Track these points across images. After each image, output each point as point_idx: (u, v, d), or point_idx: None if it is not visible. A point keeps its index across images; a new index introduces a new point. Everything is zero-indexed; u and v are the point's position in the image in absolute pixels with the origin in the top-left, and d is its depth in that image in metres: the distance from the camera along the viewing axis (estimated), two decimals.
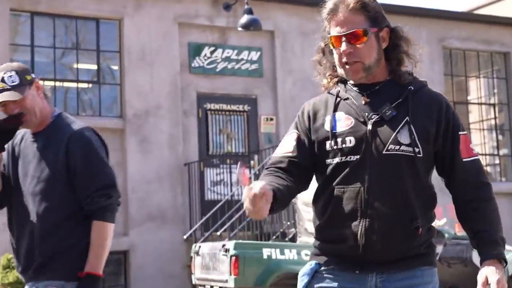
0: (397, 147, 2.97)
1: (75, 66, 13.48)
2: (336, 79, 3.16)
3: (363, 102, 3.04)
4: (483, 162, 17.61)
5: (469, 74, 17.33)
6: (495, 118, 17.49)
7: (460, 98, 17.18)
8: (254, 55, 14.07)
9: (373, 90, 3.06)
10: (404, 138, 2.97)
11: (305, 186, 3.15)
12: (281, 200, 2.93)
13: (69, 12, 13.08)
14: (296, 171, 3.07)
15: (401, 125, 2.98)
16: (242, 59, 14.20)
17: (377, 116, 2.99)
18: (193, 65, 13.82)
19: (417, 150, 2.97)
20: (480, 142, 17.57)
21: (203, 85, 13.99)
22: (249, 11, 12.38)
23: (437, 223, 8.20)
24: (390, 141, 2.97)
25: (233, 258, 8.51)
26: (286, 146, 3.13)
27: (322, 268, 3.07)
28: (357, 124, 3.01)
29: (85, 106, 13.53)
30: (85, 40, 13.45)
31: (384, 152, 2.97)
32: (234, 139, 14.04)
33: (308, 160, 3.10)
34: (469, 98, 17.80)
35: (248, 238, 11.74)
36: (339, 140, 3.02)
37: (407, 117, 2.99)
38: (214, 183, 13.41)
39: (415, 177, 2.99)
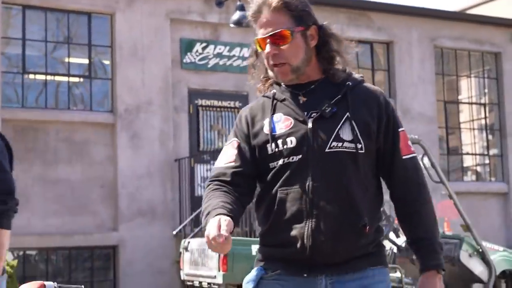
0: (340, 143, 2.90)
1: (66, 60, 13.45)
2: (270, 81, 3.10)
3: (301, 102, 2.99)
4: (473, 162, 17.68)
5: (460, 74, 17.37)
6: (485, 117, 17.55)
7: (451, 97, 17.22)
8: (246, 52, 14.06)
9: (309, 90, 3.00)
10: (346, 134, 2.91)
11: (250, 198, 3.05)
12: (235, 222, 2.84)
13: (61, 6, 13.05)
14: (241, 182, 2.98)
15: (342, 121, 2.92)
16: (234, 55, 14.21)
17: (317, 114, 2.93)
18: (184, 61, 13.81)
19: (359, 146, 2.91)
20: (470, 141, 17.63)
21: (195, 81, 13.98)
22: (241, 8, 12.38)
23: None
24: (332, 138, 2.91)
25: (222, 254, 8.52)
26: (228, 156, 3.05)
27: (269, 273, 2.99)
28: (296, 123, 2.95)
29: (76, 100, 13.50)
30: (77, 34, 13.42)
31: (326, 150, 2.90)
32: (225, 135, 14.04)
33: (251, 167, 3.02)
34: (460, 97, 17.83)
35: (237, 234, 11.75)
36: (279, 142, 2.95)
37: (348, 113, 2.93)
38: (205, 179, 13.39)
39: (360, 174, 2.93)
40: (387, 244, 7.90)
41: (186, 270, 9.66)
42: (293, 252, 2.90)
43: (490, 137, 17.57)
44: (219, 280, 8.51)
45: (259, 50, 3.01)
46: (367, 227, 2.90)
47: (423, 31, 16.17)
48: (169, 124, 13.51)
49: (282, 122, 2.97)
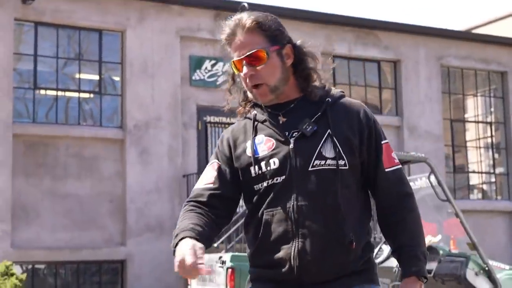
0: (323, 161, 2.86)
1: (77, 76, 13.50)
2: (250, 103, 3.06)
3: (281, 122, 2.94)
4: (479, 180, 17.63)
5: (466, 92, 17.36)
6: (491, 136, 17.51)
7: (457, 116, 17.20)
8: None
9: (289, 109, 2.96)
10: (329, 151, 2.87)
11: (228, 219, 3.02)
12: (206, 245, 2.79)
13: (72, 23, 13.11)
14: (218, 204, 2.96)
15: (323, 139, 2.88)
16: None
17: (298, 133, 2.89)
18: (193, 77, 13.83)
19: (342, 162, 2.87)
20: (476, 160, 17.58)
21: (203, 97, 14.00)
22: None
23: (432, 240, 8.18)
24: (314, 156, 2.86)
25: (230, 270, 8.51)
26: (207, 177, 3.02)
27: None
28: (278, 144, 2.91)
29: (86, 116, 13.53)
30: (87, 51, 13.47)
31: (310, 168, 2.86)
32: None
33: (230, 190, 2.99)
34: (466, 116, 17.82)
35: (245, 250, 11.72)
36: (262, 164, 2.92)
37: (329, 130, 2.89)
38: None
39: (345, 190, 2.89)
40: (393, 261, 7.85)
41: (194, 285, 9.63)
42: (281, 273, 2.87)
43: (496, 155, 17.52)
44: None
45: (236, 72, 2.97)
46: (354, 243, 2.85)
47: (430, 50, 16.17)
48: (178, 140, 13.52)
49: (264, 144, 2.94)
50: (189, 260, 2.59)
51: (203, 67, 13.86)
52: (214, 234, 2.94)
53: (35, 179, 12.43)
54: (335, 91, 3.04)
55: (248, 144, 2.97)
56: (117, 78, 13.62)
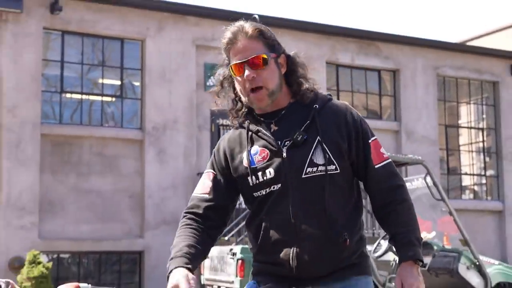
0: (314, 168, 2.84)
1: (100, 81, 13.53)
2: (242, 111, 3.02)
3: (272, 130, 2.91)
4: (471, 182, 17.58)
5: (460, 100, 17.32)
6: (483, 141, 17.46)
7: (451, 121, 17.16)
8: None
9: (280, 116, 2.92)
10: (320, 158, 2.84)
11: (221, 229, 3.04)
12: (197, 263, 2.85)
13: (96, 32, 13.14)
14: (212, 215, 2.96)
15: (314, 147, 2.84)
16: None
17: (290, 142, 2.86)
18: (207, 83, 13.83)
19: (333, 167, 2.84)
20: (468, 163, 17.54)
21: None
22: None
23: (427, 236, 8.16)
24: (306, 164, 2.84)
25: (240, 261, 8.52)
26: (203, 187, 3.01)
27: (261, 286, 2.97)
28: (272, 155, 2.88)
29: (108, 118, 13.56)
30: (110, 58, 13.50)
31: (303, 176, 2.84)
32: None
33: (225, 199, 2.99)
34: (460, 122, 17.77)
35: None
36: (259, 174, 2.89)
37: (318, 137, 2.85)
38: None
39: (338, 192, 2.87)
40: (391, 255, 7.85)
41: (206, 275, 9.65)
42: (281, 271, 2.89)
43: (487, 159, 17.47)
44: (237, 285, 8.49)
45: (234, 75, 2.93)
46: (347, 241, 2.85)
47: (427, 60, 16.14)
48: (192, 141, 13.53)
49: (259, 155, 2.91)
50: (183, 286, 2.60)
51: (217, 74, 13.83)
52: (208, 249, 2.96)
53: (60, 176, 12.46)
54: (322, 95, 3.01)
55: (244, 155, 2.94)
56: (137, 83, 13.64)
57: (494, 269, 8.22)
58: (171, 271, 2.70)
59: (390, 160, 2.99)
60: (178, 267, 2.70)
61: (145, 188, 12.99)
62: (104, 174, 12.83)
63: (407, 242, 2.86)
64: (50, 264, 10.76)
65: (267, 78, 2.87)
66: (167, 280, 2.69)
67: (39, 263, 10.56)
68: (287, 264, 2.85)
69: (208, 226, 2.96)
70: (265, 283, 2.96)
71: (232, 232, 11.88)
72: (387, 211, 2.92)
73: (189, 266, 2.73)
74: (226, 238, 11.75)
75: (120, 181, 12.91)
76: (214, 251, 9.57)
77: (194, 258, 2.80)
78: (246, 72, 2.85)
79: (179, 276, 2.64)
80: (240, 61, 2.88)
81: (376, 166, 2.92)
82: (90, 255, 12.87)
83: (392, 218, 2.90)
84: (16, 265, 11.45)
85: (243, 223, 11.88)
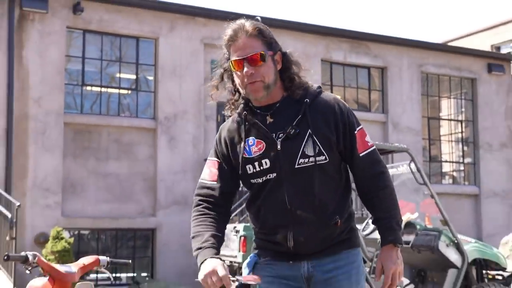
0: (306, 159, 2.83)
1: (117, 75, 13.51)
2: (239, 102, 3.01)
3: (268, 122, 2.90)
4: (451, 168, 17.57)
5: (442, 95, 17.28)
6: (462, 132, 17.43)
7: (433, 114, 17.13)
8: None
9: (275, 109, 2.91)
10: (311, 150, 2.83)
11: (230, 213, 3.04)
12: (219, 237, 2.86)
13: (114, 31, 13.11)
14: (222, 202, 2.97)
15: (305, 140, 2.83)
16: None
17: (284, 135, 2.85)
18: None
19: (323, 157, 2.84)
20: (448, 151, 17.52)
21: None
22: None
23: (410, 217, 8.16)
24: (299, 155, 2.84)
25: (242, 238, 8.53)
26: (210, 175, 3.00)
27: (262, 259, 2.99)
28: (268, 146, 2.87)
29: (124, 109, 13.54)
30: (126, 55, 13.47)
31: (296, 166, 2.84)
32: None
33: (230, 185, 2.99)
34: (441, 114, 17.74)
35: None
36: (256, 164, 2.89)
37: (309, 130, 2.84)
38: None
39: (328, 179, 2.87)
40: (377, 234, 7.82)
41: None
42: (279, 248, 2.92)
43: (465, 148, 17.45)
44: (239, 259, 8.51)
45: (234, 70, 2.90)
46: (339, 222, 2.87)
47: (412, 58, 16.10)
48: (200, 130, 13.52)
49: (256, 146, 2.90)
50: (221, 272, 2.62)
51: (215, 69, 13.80)
52: (224, 234, 2.96)
53: (81, 160, 12.47)
54: (312, 89, 2.98)
55: (242, 145, 2.93)
56: (150, 78, 13.62)
57: (471, 246, 8.23)
58: (203, 261, 2.71)
59: (374, 147, 2.97)
60: (210, 258, 2.71)
61: (157, 172, 12.99)
62: (121, 159, 12.84)
63: (389, 227, 2.88)
64: (71, 240, 10.77)
65: (264, 73, 2.85)
66: (199, 269, 2.69)
67: (62, 238, 10.58)
68: (285, 244, 2.88)
69: (222, 213, 2.97)
70: (265, 257, 2.99)
71: (236, 212, 11.89)
72: (370, 197, 2.93)
73: (219, 256, 2.74)
74: (231, 217, 11.74)
75: (135, 165, 12.91)
76: None
77: (219, 246, 2.83)
78: (245, 68, 2.84)
79: (215, 263, 2.66)
80: (240, 58, 2.86)
81: (361, 155, 2.91)
82: (107, 232, 12.89)
83: (375, 204, 2.92)
84: (41, 240, 11.47)
85: (245, 203, 11.91)
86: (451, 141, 17.50)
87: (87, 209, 12.34)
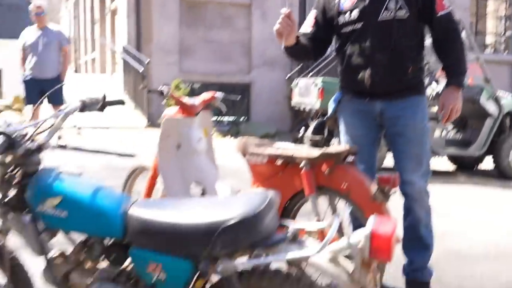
0: (389, 13, 2.77)
1: None
2: None
3: None
4: (492, 40, 16.67)
5: None
6: (505, 9, 16.32)
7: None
8: None
9: None
10: (393, 4, 2.77)
11: (322, 52, 3.01)
12: (301, 43, 2.87)
13: None
14: (317, 42, 2.98)
15: None
16: None
17: None
18: None
19: (403, 12, 2.76)
20: (492, 26, 16.53)
21: None
22: None
23: None
24: (383, 9, 2.77)
25: (320, 89, 8.54)
26: (307, 22, 3.01)
27: (345, 97, 3.00)
28: (358, 0, 2.84)
29: None
30: None
31: (379, 19, 2.78)
32: None
33: (323, 32, 2.97)
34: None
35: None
36: (347, 15, 2.85)
37: None
38: None
39: (406, 32, 2.79)
40: (429, 90, 7.65)
41: (295, 100, 9.71)
42: (358, 87, 2.91)
43: (508, 23, 16.41)
44: (317, 106, 8.55)
45: None
46: (410, 68, 2.83)
47: None
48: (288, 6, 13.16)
49: (349, 0, 2.87)
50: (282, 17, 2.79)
51: None
52: (309, 49, 2.98)
53: (193, 29, 12.52)
54: None
55: (337, 0, 2.91)
56: None
57: (507, 100, 8.00)
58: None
59: (450, 9, 2.89)
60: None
61: (252, 39, 12.91)
62: (223, 28, 12.80)
63: (456, 72, 2.85)
64: (187, 90, 11.09)
65: None
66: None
67: (180, 88, 10.90)
68: (363, 83, 2.87)
69: (314, 46, 3.00)
70: (347, 95, 3.01)
71: (312, 72, 11.81)
72: (444, 47, 2.87)
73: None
74: (309, 75, 11.69)
75: (234, 34, 12.87)
76: (302, 82, 9.57)
77: (300, 39, 2.91)
78: None
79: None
80: None
81: (439, 14, 2.83)
82: (213, 85, 12.95)
83: (447, 53, 2.87)
84: None
85: (323, 63, 11.78)
86: (496, 18, 16.44)
87: (198, 67, 12.54)
